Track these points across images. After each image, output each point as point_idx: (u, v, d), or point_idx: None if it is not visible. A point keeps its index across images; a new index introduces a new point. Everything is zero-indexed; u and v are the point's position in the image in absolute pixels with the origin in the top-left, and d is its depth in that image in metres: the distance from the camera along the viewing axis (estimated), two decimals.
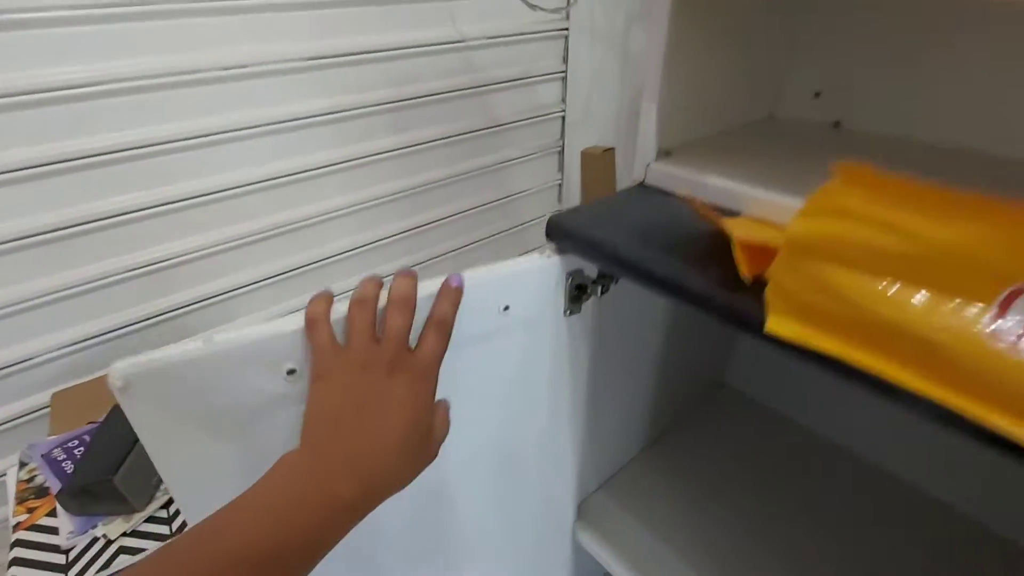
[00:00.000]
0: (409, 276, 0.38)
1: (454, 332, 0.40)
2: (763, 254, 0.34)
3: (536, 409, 0.58)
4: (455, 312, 0.39)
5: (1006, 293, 0.25)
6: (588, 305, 0.54)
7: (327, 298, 0.37)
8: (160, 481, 0.74)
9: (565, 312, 0.52)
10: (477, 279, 0.46)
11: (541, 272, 0.49)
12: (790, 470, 0.82)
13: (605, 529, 0.74)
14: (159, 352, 0.35)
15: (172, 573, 0.28)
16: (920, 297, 0.27)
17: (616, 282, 0.54)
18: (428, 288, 0.40)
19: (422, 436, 0.36)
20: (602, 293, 0.53)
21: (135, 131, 0.87)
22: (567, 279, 0.51)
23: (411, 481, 0.35)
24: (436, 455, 0.37)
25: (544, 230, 0.49)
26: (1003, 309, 0.25)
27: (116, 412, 0.80)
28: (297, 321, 0.39)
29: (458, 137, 1.27)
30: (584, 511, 0.77)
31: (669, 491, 0.80)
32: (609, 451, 0.78)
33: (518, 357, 0.52)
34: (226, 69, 0.91)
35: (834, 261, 0.30)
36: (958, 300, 0.26)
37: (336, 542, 0.32)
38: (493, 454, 0.58)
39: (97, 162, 0.86)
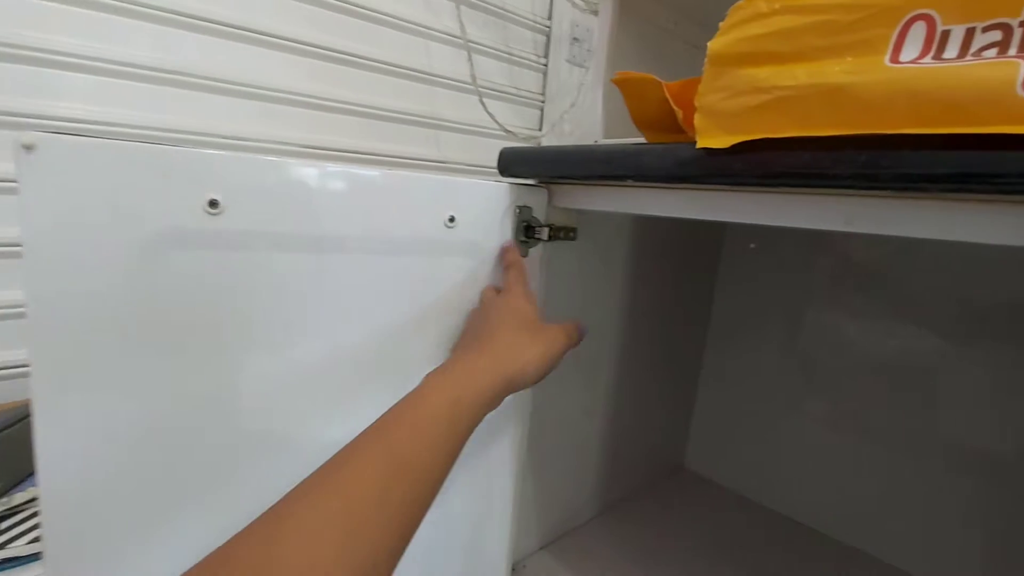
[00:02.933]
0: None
1: (396, 236, 0.45)
2: (690, 90, 0.36)
3: None
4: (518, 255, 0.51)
5: (900, 26, 0.28)
6: (536, 253, 0.53)
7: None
8: (1, 491, 0.60)
9: None
10: (424, 181, 0.47)
11: (489, 192, 0.50)
12: (742, 541, 0.75)
13: None
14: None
15: (346, 477, 0.31)
16: (831, 60, 0.29)
17: (564, 236, 0.55)
18: None
19: (533, 332, 0.43)
20: (549, 237, 0.53)
21: None
22: (516, 211, 0.51)
23: (539, 373, 0.42)
24: (556, 352, 0.43)
25: None
26: (900, 40, 0.28)
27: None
28: (230, 154, 0.38)
29: None
30: (521, 571, 0.64)
31: (618, 557, 0.68)
32: (553, 499, 0.68)
33: (460, 281, 0.49)
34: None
35: (750, 62, 0.33)
36: (864, 48, 0.29)
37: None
38: None
39: None
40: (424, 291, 0.48)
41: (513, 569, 0.64)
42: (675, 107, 0.38)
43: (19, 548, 0.53)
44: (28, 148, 0.32)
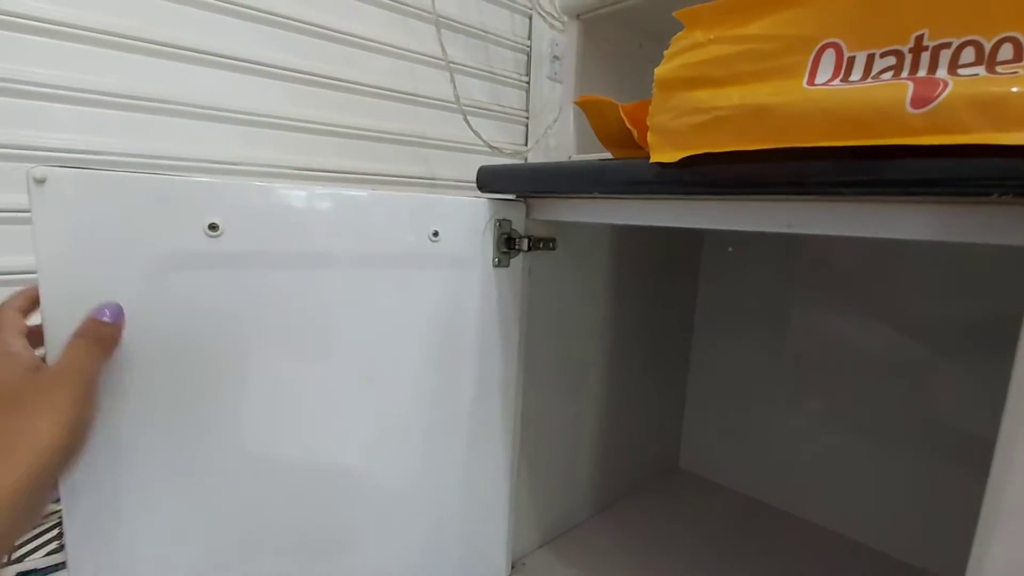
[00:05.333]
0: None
1: (384, 251, 0.47)
2: (642, 111, 0.40)
3: (462, 367, 0.56)
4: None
5: (814, 53, 0.32)
6: (517, 263, 0.57)
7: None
8: None
9: (494, 261, 0.55)
10: (408, 199, 0.51)
11: (470, 207, 0.53)
12: (741, 535, 0.77)
13: None
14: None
15: None
16: (759, 83, 0.33)
17: (543, 246, 0.58)
18: None
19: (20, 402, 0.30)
20: (529, 248, 0.57)
21: None
22: (496, 225, 0.55)
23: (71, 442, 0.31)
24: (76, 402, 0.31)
25: None
26: (815, 66, 0.31)
27: None
28: (226, 180, 0.41)
29: None
30: (519, 568, 0.66)
31: (616, 549, 0.71)
32: (550, 500, 0.70)
33: (445, 295, 0.53)
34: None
35: (691, 86, 0.36)
36: (785, 72, 0.32)
37: None
38: (418, 420, 0.53)
39: None
40: (412, 301, 0.51)
41: (513, 567, 0.66)
42: (631, 127, 0.42)
43: (37, 560, 0.56)
44: (39, 181, 0.35)
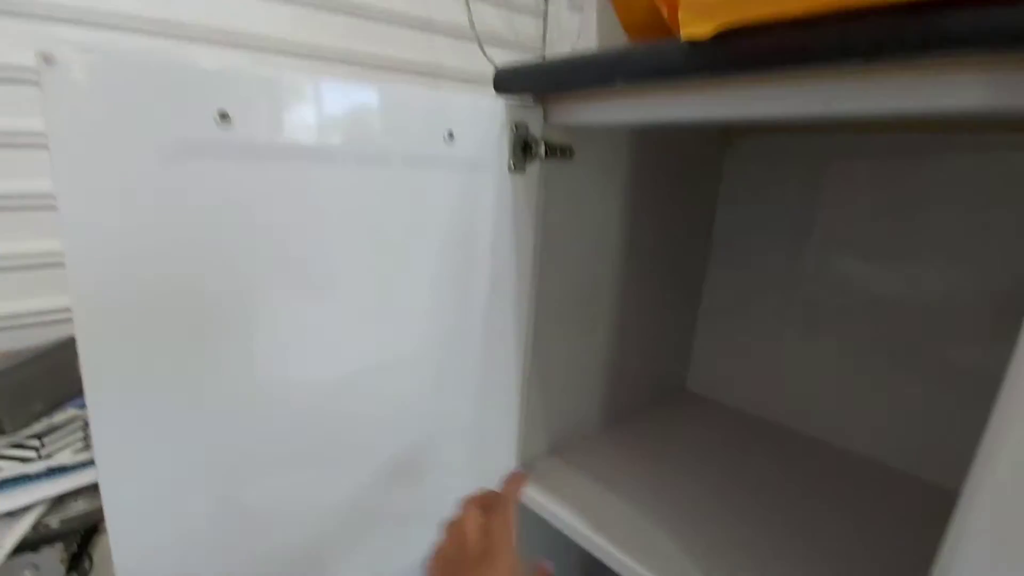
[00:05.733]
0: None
1: (398, 150, 0.47)
2: None
3: (477, 274, 0.55)
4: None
5: None
6: (534, 170, 0.56)
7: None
8: (41, 413, 0.65)
9: (510, 166, 0.54)
10: (423, 96, 0.49)
11: (486, 109, 0.51)
12: (747, 449, 0.79)
13: (552, 484, 0.66)
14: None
15: None
16: None
17: (561, 154, 0.57)
18: None
19: None
20: (546, 155, 0.55)
21: None
22: (512, 128, 0.53)
23: None
24: None
25: None
26: None
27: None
28: (239, 67, 0.39)
29: None
30: (530, 471, 0.69)
31: (622, 457, 0.73)
32: (560, 410, 0.72)
33: (459, 200, 0.52)
34: None
35: None
36: None
37: None
38: (433, 326, 0.54)
39: None
40: (426, 203, 0.50)
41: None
42: (659, 4, 0.39)
43: (65, 457, 0.58)
44: (47, 60, 0.34)
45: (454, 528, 0.42)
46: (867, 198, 0.73)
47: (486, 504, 0.44)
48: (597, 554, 0.57)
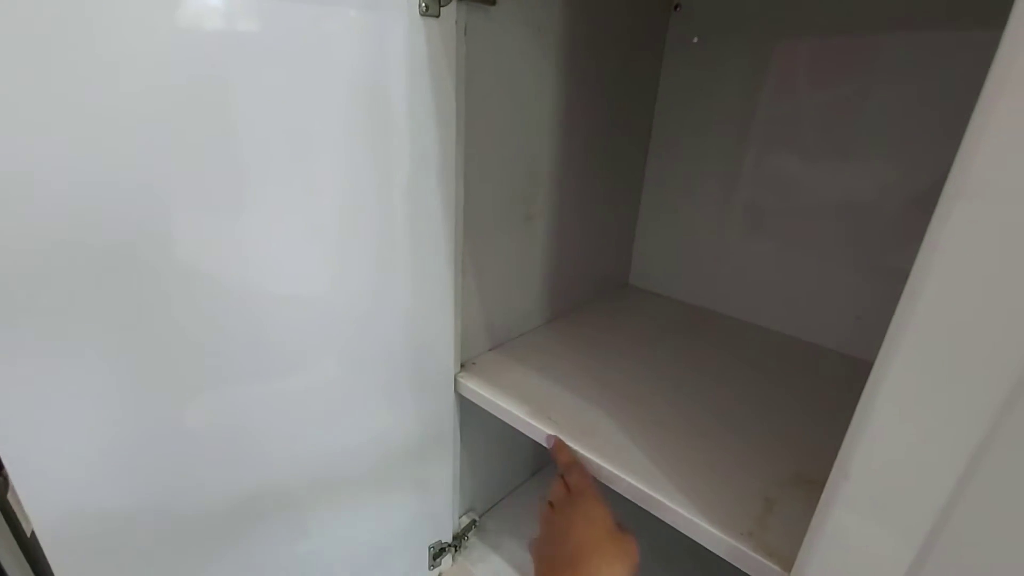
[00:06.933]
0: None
1: None
2: None
3: (393, 141, 0.48)
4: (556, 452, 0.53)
5: None
6: (449, 13, 0.47)
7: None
8: None
9: (421, 7, 0.45)
10: None
11: None
12: (690, 336, 0.79)
13: (493, 378, 0.63)
14: None
15: None
16: None
17: None
18: None
19: (617, 544, 0.44)
20: None
21: None
22: None
23: None
24: (636, 562, 0.44)
25: None
26: None
27: None
28: None
29: None
30: (469, 367, 0.65)
31: (564, 349, 0.71)
32: (499, 305, 0.68)
33: (364, 49, 0.43)
34: None
35: None
36: None
37: None
38: (349, 206, 0.47)
39: None
40: (323, 55, 0.41)
41: (463, 366, 0.65)
42: None
43: None
44: None
45: (546, 504, 0.49)
46: (808, 86, 0.69)
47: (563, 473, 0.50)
48: (539, 439, 0.55)
